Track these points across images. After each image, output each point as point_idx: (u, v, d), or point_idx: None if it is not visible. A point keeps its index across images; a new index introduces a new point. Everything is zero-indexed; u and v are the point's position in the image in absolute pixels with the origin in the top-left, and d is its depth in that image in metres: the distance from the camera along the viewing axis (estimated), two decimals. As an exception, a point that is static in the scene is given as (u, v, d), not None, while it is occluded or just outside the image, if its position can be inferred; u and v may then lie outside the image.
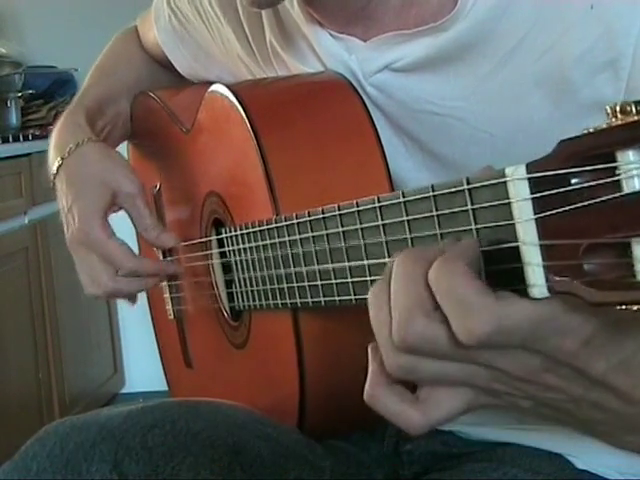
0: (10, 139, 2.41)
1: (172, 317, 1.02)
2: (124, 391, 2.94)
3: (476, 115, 0.69)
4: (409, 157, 0.74)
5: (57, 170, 0.89)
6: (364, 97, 0.73)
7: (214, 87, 0.80)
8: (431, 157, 0.73)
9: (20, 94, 2.60)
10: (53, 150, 0.92)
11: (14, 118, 2.56)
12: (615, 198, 0.37)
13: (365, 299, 0.53)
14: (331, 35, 0.75)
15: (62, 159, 0.88)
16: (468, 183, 0.45)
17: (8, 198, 2.33)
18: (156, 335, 1.12)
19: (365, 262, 0.55)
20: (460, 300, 0.41)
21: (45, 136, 2.56)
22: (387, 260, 0.53)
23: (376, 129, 0.72)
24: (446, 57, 0.69)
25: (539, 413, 0.47)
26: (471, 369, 0.44)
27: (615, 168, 0.37)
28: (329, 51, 0.76)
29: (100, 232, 0.84)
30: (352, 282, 0.58)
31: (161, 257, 0.99)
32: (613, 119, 0.38)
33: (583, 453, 0.73)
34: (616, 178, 0.37)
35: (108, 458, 0.61)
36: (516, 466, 0.74)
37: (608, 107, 0.38)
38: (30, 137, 2.51)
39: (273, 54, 0.84)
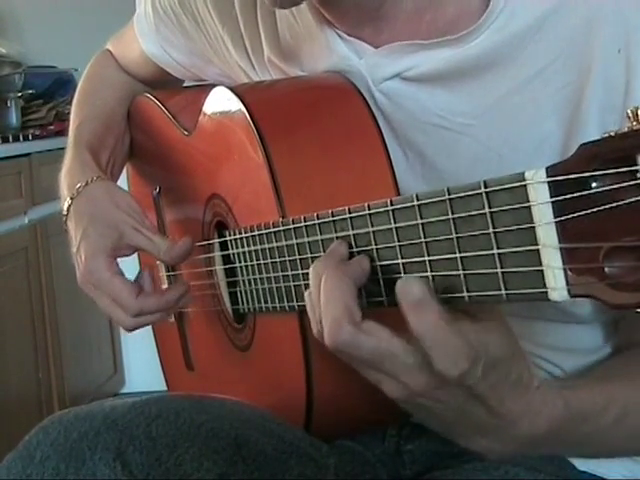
0: (10, 139, 2.42)
1: (172, 320, 1.01)
2: (124, 391, 2.94)
3: (487, 135, 0.69)
4: (408, 168, 0.73)
5: (67, 211, 0.88)
6: (371, 102, 0.72)
7: (217, 89, 0.79)
8: (431, 171, 0.72)
9: (20, 94, 2.59)
10: (64, 191, 0.91)
11: (14, 118, 2.55)
12: (636, 201, 0.37)
13: (376, 302, 0.54)
14: (340, 38, 0.75)
15: (71, 199, 0.88)
16: (485, 186, 0.45)
17: (8, 198, 2.32)
18: (155, 339, 1.12)
19: (377, 264, 0.55)
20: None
21: (45, 136, 2.58)
22: (396, 262, 0.53)
23: (381, 132, 0.71)
24: (463, 72, 0.68)
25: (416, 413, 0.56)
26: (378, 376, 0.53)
27: (636, 171, 0.37)
28: (338, 53, 0.75)
29: (104, 271, 0.82)
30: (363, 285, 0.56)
31: (163, 269, 0.99)
32: (634, 123, 0.38)
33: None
34: (637, 182, 0.37)
35: (112, 447, 0.61)
36: (517, 465, 0.74)
37: (629, 111, 0.38)
38: (30, 137, 2.52)
39: (271, 66, 0.83)
